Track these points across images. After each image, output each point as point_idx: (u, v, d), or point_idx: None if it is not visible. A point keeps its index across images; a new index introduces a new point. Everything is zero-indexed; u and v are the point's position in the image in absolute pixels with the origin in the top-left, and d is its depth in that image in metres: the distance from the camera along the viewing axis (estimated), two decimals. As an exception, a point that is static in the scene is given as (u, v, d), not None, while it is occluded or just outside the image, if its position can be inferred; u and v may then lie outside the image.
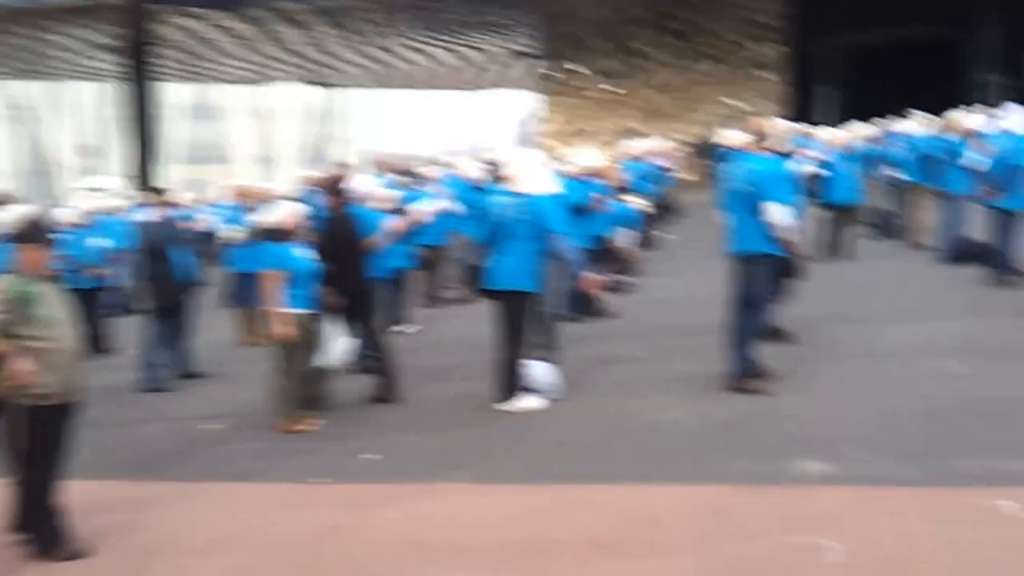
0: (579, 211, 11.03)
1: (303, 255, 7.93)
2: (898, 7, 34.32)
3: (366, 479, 6.53)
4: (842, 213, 14.45)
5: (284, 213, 8.07)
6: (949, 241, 13.13)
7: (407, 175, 14.94)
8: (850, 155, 14.70)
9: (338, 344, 8.22)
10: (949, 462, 5.80)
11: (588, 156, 12.29)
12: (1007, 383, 7.38)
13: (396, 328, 11.52)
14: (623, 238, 14.12)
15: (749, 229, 7.66)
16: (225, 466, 7.11)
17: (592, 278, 8.05)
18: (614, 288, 12.87)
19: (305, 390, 7.89)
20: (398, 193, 11.90)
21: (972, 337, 8.89)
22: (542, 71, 39.83)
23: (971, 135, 13.95)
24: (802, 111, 30.30)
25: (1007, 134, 11.28)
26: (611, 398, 8.00)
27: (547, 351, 9.28)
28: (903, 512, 5.18)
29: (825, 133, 15.70)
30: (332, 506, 6.11)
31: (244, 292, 10.94)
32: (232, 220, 12.18)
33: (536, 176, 8.00)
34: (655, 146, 20.72)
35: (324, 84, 54.05)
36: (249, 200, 11.71)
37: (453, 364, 9.76)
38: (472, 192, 13.66)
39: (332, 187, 8.87)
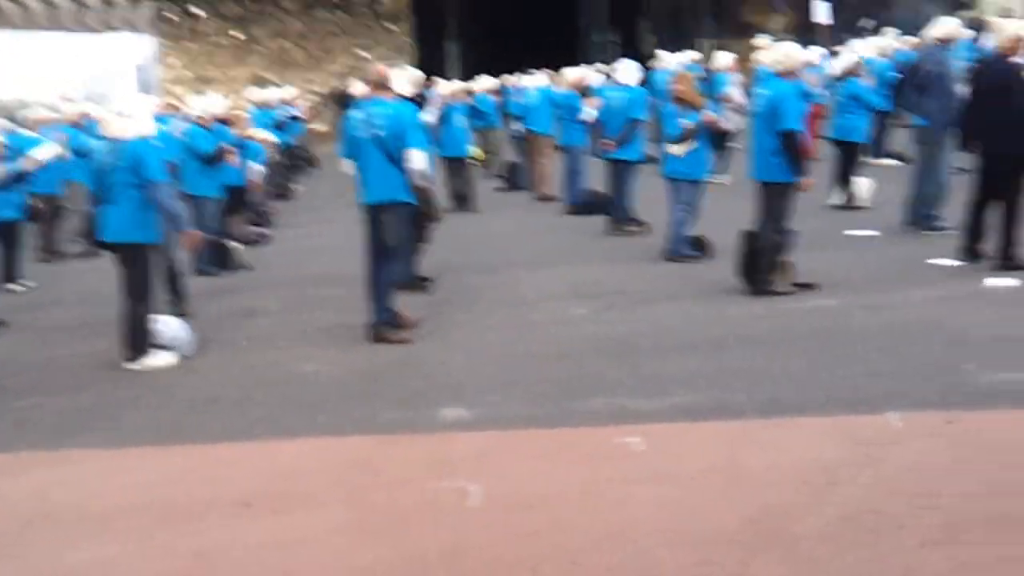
0: (207, 160, 10.59)
1: None
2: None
3: (-20, 450, 5.90)
4: (460, 164, 14.78)
5: None
6: (571, 192, 13.82)
7: (16, 120, 13.75)
8: (464, 108, 15.09)
9: None
10: (581, 402, 6.05)
11: (214, 103, 11.78)
12: (627, 324, 7.85)
13: (7, 284, 10.60)
14: (254, 187, 13.73)
15: (383, 177, 7.58)
16: None
17: (193, 235, 7.72)
18: (248, 240, 12.50)
19: None
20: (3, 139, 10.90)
21: (595, 282, 9.40)
22: (163, 14, 37.87)
23: (586, 90, 14.74)
24: (433, 65, 30.80)
25: (620, 88, 11.94)
26: (250, 352, 7.75)
27: (178, 305, 8.86)
28: (541, 453, 5.34)
29: (442, 86, 15.93)
30: (-62, 482, 5.47)
31: None
32: None
33: (133, 121, 7.47)
34: (286, 95, 20.29)
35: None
36: None
37: (77, 322, 9.08)
38: (87, 139, 12.78)
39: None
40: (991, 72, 8.91)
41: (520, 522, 4.52)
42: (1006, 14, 22.57)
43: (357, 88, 19.89)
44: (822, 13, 18.60)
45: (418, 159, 7.50)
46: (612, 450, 5.30)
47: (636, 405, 5.94)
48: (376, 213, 7.70)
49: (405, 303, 8.23)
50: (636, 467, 5.08)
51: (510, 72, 21.94)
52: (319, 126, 33.59)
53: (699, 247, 9.96)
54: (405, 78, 9.35)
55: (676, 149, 9.80)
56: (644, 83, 13.07)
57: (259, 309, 9.14)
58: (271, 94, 19.54)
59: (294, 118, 18.93)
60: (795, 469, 4.89)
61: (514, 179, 17.09)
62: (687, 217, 9.89)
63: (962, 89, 9.67)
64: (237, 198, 12.00)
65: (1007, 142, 8.53)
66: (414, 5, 37.29)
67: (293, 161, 19.36)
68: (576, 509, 4.64)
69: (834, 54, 15.99)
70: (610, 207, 12.04)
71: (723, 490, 4.74)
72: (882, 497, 4.52)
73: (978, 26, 17.22)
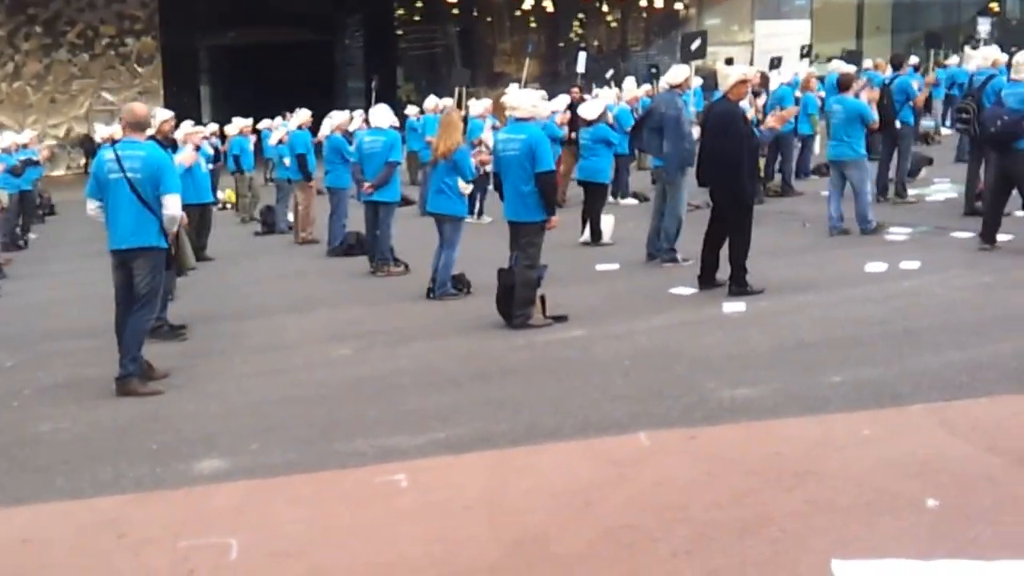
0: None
1: None
2: (265, 9, 35.48)
3: None
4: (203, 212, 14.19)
5: None
6: (334, 234, 13.64)
7: None
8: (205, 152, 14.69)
9: None
10: (343, 444, 5.91)
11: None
12: (389, 363, 7.76)
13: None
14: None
15: (136, 221, 7.22)
16: None
17: None
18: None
19: None
20: None
21: (357, 323, 9.29)
22: None
23: (348, 134, 14.65)
24: (187, 107, 29.96)
25: (377, 132, 11.83)
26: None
27: None
28: (303, 499, 5.16)
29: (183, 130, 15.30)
30: None
31: None
32: None
33: None
34: (22, 139, 19.17)
35: None
36: None
37: None
38: None
39: None
40: (716, 114, 9.36)
41: (281, 571, 4.34)
42: (729, 62, 24.48)
43: (102, 131, 19.08)
44: (581, 63, 20.20)
45: (173, 204, 7.18)
46: (376, 489, 5.20)
47: (398, 443, 5.84)
48: (128, 259, 7.31)
49: (156, 353, 7.85)
50: (401, 505, 5.00)
51: (269, 116, 21.57)
52: (62, 172, 32.08)
53: (459, 285, 10.00)
54: (163, 121, 9.05)
55: (464, 188, 9.90)
56: (398, 128, 13.06)
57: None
58: (6, 138, 18.41)
59: (31, 162, 17.89)
60: (554, 492, 4.94)
61: (272, 223, 16.76)
62: (450, 256, 9.89)
63: (695, 131, 10.14)
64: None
65: (727, 179, 8.98)
66: (163, 47, 36.14)
67: (29, 208, 18.35)
68: (341, 552, 4.51)
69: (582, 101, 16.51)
70: (371, 249, 11.93)
71: (488, 519, 4.74)
72: (636, 513, 4.63)
73: (708, 74, 18.24)
